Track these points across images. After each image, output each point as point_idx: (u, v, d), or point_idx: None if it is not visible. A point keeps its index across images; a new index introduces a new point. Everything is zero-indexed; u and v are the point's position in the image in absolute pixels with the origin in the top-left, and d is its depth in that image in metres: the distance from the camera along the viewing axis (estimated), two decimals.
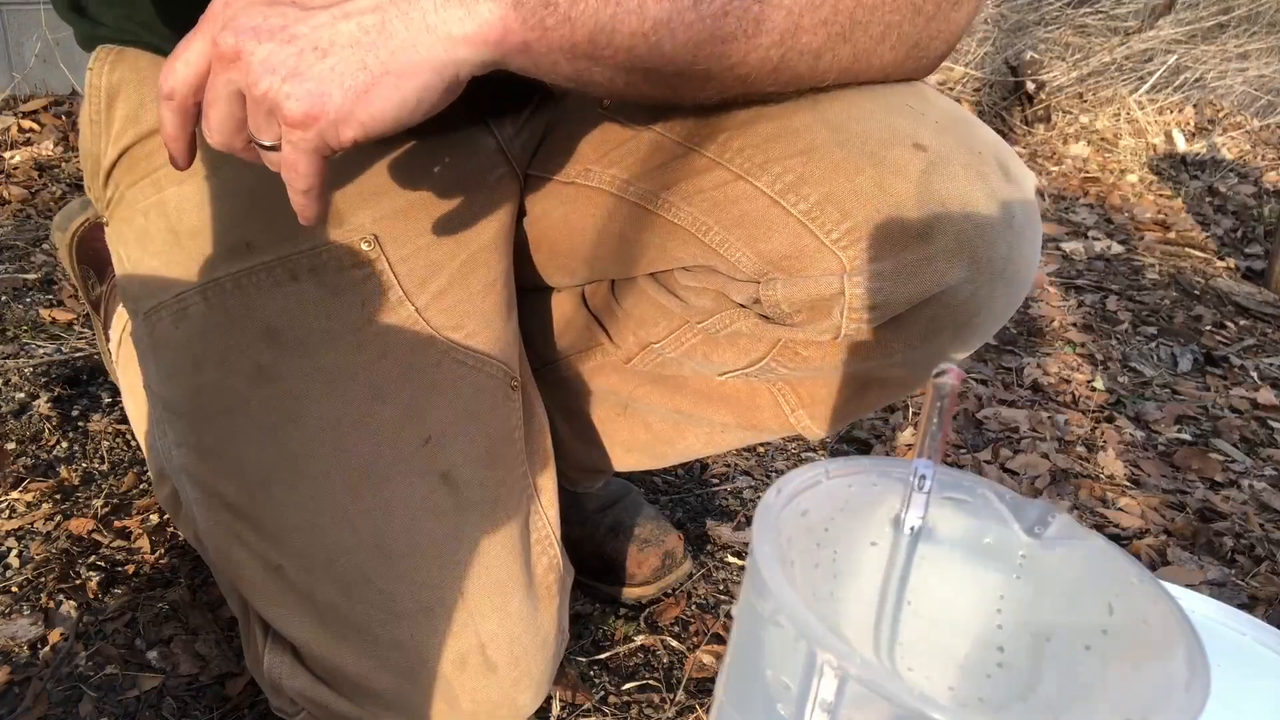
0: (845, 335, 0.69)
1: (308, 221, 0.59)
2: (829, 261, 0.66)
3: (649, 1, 0.55)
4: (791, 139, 0.67)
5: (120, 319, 1.01)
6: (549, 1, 0.53)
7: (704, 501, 1.22)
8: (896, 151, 0.65)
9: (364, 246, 0.71)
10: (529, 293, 0.87)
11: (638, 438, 0.91)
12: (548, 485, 0.80)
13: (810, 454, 1.34)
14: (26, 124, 2.05)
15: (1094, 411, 1.56)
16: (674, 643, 0.99)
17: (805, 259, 0.66)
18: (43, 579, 0.96)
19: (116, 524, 1.05)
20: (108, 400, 1.25)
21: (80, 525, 1.04)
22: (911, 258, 0.65)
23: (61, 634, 0.91)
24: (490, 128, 0.78)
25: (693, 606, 1.04)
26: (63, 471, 1.12)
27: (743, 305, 0.73)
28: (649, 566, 1.02)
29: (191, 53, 0.55)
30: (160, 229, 0.74)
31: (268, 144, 0.56)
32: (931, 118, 0.67)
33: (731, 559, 1.12)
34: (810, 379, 0.78)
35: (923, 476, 0.40)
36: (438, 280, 0.74)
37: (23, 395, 1.24)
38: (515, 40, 0.53)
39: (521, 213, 0.82)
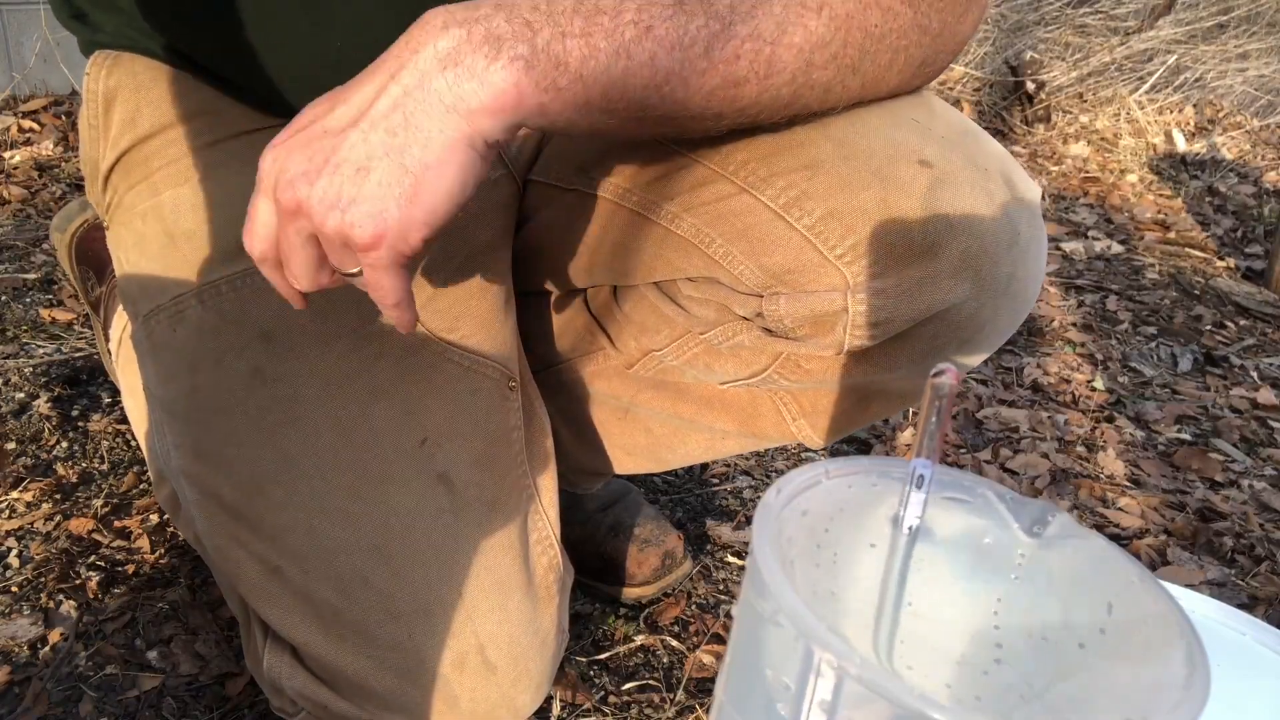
0: (848, 350, 0.69)
1: (406, 330, 0.60)
2: (832, 277, 0.65)
3: (660, 53, 0.55)
4: (795, 153, 0.66)
5: (120, 320, 1.01)
6: (560, 62, 0.53)
7: (704, 501, 1.22)
8: (901, 167, 0.64)
9: None
10: (530, 295, 0.87)
11: (638, 442, 0.90)
12: (548, 485, 0.80)
13: (810, 454, 1.34)
14: (26, 124, 2.05)
15: (1094, 411, 1.56)
16: (674, 643, 0.99)
17: (809, 274, 0.66)
18: (43, 579, 0.96)
19: (116, 524, 1.05)
20: (108, 400, 1.25)
21: (80, 525, 1.04)
22: (915, 275, 0.64)
23: (61, 634, 0.91)
24: None
25: (693, 606, 1.04)
26: (62, 471, 1.12)
27: (745, 318, 0.73)
28: (649, 566, 1.02)
29: (261, 215, 0.56)
30: (157, 232, 0.74)
31: (353, 271, 0.57)
32: (937, 132, 0.67)
33: (731, 559, 1.12)
34: (812, 390, 0.78)
35: (921, 475, 0.40)
36: (433, 282, 0.74)
37: (23, 395, 1.24)
38: (531, 104, 0.54)
39: (524, 218, 0.82)
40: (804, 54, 0.59)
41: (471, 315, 0.75)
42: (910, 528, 0.41)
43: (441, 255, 0.75)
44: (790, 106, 0.62)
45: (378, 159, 0.53)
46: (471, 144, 0.53)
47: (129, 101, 0.75)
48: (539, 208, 0.80)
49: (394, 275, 0.56)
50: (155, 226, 0.74)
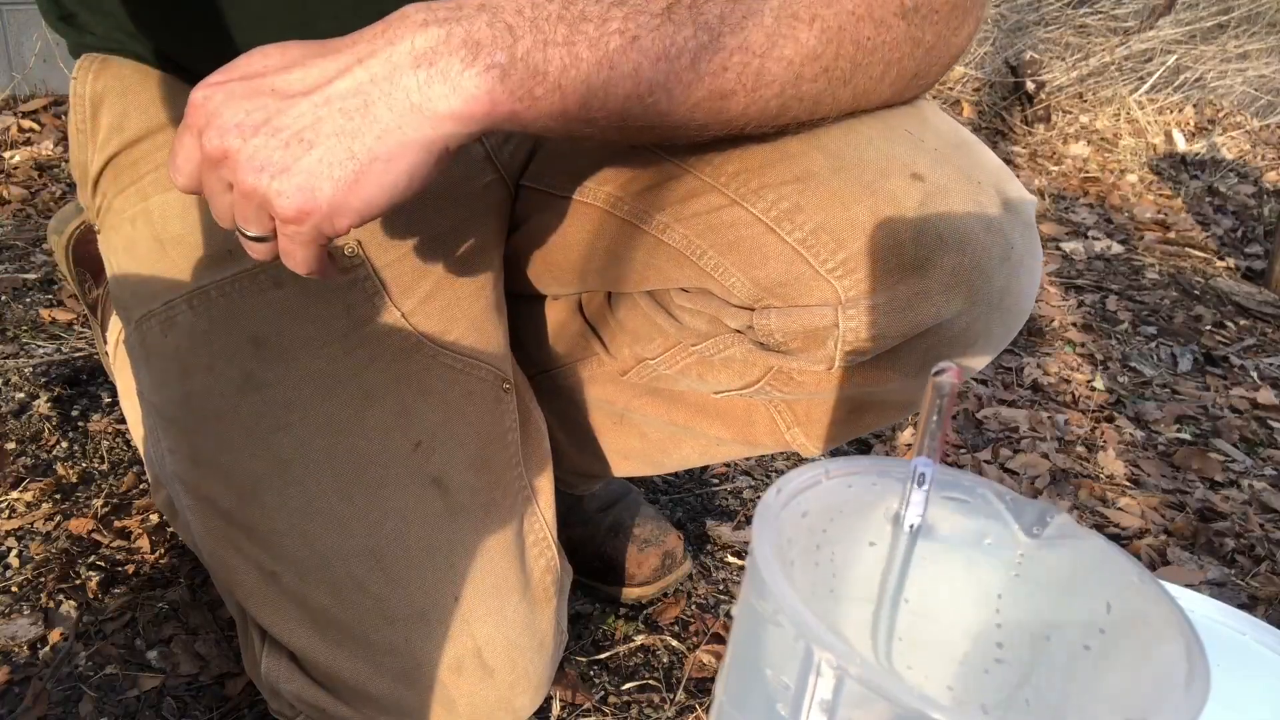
0: (839, 366, 0.68)
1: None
2: (824, 291, 0.65)
3: (644, 64, 0.53)
4: (787, 165, 0.65)
5: (117, 323, 1.01)
6: (538, 72, 0.52)
7: (704, 501, 1.22)
8: (893, 181, 0.63)
9: (347, 252, 0.71)
10: (525, 300, 0.86)
11: (633, 446, 0.90)
12: (545, 487, 0.79)
13: None
14: (26, 124, 2.05)
15: (1094, 411, 1.56)
16: (674, 643, 0.99)
17: (800, 287, 0.65)
18: (43, 579, 0.96)
19: (116, 524, 1.05)
20: (108, 400, 1.25)
21: (80, 525, 1.04)
22: (906, 291, 0.64)
23: (61, 634, 0.91)
24: None
25: (693, 606, 1.04)
26: (62, 471, 1.12)
27: (737, 331, 0.72)
28: (649, 566, 1.02)
29: (185, 150, 0.54)
30: (146, 237, 0.74)
31: (253, 235, 0.55)
32: (930, 144, 0.66)
33: (731, 559, 1.12)
34: (806, 400, 0.77)
35: (922, 474, 0.40)
36: (424, 285, 0.74)
37: (23, 395, 1.24)
38: (503, 111, 0.52)
39: (517, 223, 0.82)
40: (794, 67, 0.57)
41: (464, 318, 0.75)
42: (911, 526, 0.41)
43: (432, 257, 0.74)
44: (778, 118, 0.61)
45: (325, 136, 0.51)
46: (429, 148, 0.52)
47: (116, 105, 0.75)
48: (531, 213, 0.80)
49: (309, 250, 0.54)
50: (144, 231, 0.74)
